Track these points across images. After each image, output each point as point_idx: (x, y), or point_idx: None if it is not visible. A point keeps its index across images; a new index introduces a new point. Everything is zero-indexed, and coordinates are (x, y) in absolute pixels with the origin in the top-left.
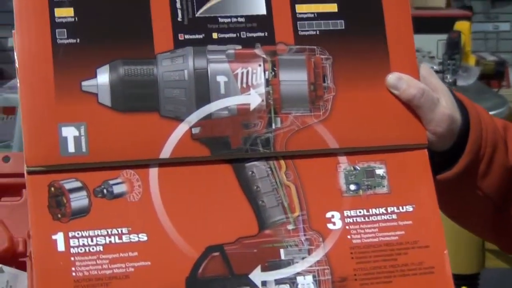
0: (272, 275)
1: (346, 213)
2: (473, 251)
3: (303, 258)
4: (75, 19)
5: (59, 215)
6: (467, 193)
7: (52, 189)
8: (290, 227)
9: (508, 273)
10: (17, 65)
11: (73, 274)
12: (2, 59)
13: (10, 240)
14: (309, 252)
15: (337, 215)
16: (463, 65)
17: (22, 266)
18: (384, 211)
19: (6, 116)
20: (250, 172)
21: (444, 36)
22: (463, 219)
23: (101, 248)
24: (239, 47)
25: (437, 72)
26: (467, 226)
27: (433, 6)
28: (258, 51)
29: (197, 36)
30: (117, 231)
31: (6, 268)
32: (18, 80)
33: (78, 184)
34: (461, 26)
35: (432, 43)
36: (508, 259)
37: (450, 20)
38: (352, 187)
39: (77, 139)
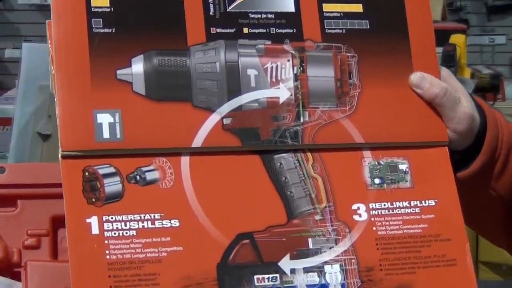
0: (300, 264)
1: (371, 205)
2: None
3: (330, 248)
4: (110, 9)
5: (93, 199)
6: (481, 193)
7: (87, 174)
8: (317, 217)
9: (502, 286)
10: (52, 53)
11: (107, 257)
12: (0, 70)
13: (5, 251)
14: (336, 242)
15: (362, 207)
16: (458, 78)
17: (16, 276)
18: (408, 205)
19: (2, 127)
20: (279, 164)
21: (439, 49)
22: (475, 220)
23: (134, 232)
24: (269, 42)
25: None
26: (478, 228)
27: None
28: (287, 46)
29: (228, 30)
30: (150, 216)
31: (0, 278)
32: (53, 68)
33: (112, 169)
34: (457, 39)
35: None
36: (502, 271)
37: (445, 33)
38: (377, 180)
39: (112, 126)
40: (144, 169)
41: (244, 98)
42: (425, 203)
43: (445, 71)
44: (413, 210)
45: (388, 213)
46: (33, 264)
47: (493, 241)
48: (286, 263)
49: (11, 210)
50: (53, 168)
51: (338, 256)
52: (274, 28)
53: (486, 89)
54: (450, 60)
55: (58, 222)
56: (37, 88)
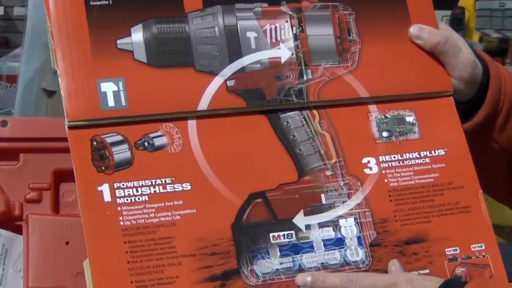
0: (315, 219)
1: (381, 158)
2: None
3: (343, 202)
4: None
5: (103, 168)
6: (483, 146)
7: (94, 143)
8: (328, 173)
9: (505, 248)
10: (51, 28)
11: (121, 223)
12: (8, 28)
13: (7, 204)
14: (349, 196)
15: (372, 160)
16: (466, 41)
17: (18, 230)
18: (418, 155)
19: (9, 84)
20: (286, 123)
21: (448, 12)
22: (478, 176)
23: (146, 197)
24: (265, 5)
25: None
26: (482, 184)
27: None
28: (284, 8)
29: None
30: (161, 181)
31: (2, 231)
32: (53, 43)
33: (119, 137)
34: (465, 2)
35: (437, 18)
36: (505, 233)
37: None
38: (385, 134)
39: (116, 94)
40: (152, 135)
41: (246, 60)
42: (435, 152)
43: (442, 24)
44: (423, 160)
45: (399, 164)
46: (34, 217)
47: (496, 197)
48: (300, 219)
49: (13, 164)
50: (56, 122)
51: (351, 209)
52: None
53: (495, 53)
54: (458, 23)
55: (60, 176)
56: (42, 44)
